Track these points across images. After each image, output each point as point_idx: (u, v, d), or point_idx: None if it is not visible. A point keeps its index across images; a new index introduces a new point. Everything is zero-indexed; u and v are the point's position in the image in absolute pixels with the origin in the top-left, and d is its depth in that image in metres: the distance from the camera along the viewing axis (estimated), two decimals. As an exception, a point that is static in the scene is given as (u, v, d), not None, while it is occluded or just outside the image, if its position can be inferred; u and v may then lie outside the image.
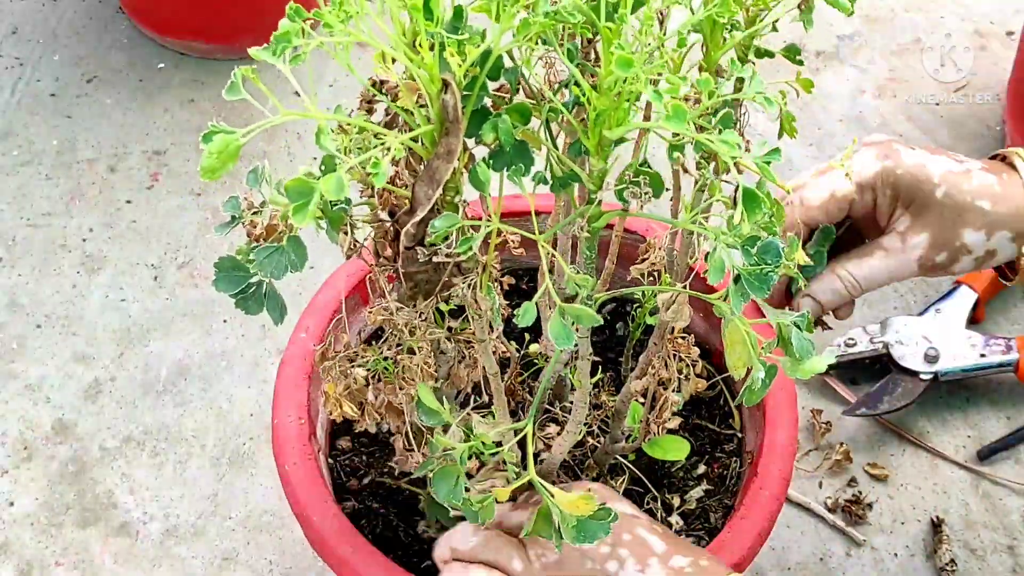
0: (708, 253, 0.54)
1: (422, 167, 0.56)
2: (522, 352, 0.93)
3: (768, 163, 0.54)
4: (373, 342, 0.95)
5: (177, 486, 1.21)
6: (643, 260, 0.86)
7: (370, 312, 0.70)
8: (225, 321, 1.34)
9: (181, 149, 1.53)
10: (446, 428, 0.67)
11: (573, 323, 0.56)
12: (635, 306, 0.99)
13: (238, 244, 0.64)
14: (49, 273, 1.40)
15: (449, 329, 0.70)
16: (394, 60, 0.53)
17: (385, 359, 0.73)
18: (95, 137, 1.55)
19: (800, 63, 0.68)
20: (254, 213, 0.62)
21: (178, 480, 1.22)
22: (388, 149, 0.50)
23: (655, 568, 0.69)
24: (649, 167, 0.62)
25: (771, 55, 0.68)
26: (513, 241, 0.83)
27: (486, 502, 0.65)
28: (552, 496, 0.62)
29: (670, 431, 0.84)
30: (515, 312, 1.03)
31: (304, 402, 0.89)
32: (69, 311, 1.36)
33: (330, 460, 0.93)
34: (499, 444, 0.66)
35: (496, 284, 0.68)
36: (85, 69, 1.63)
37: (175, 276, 1.39)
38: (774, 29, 0.66)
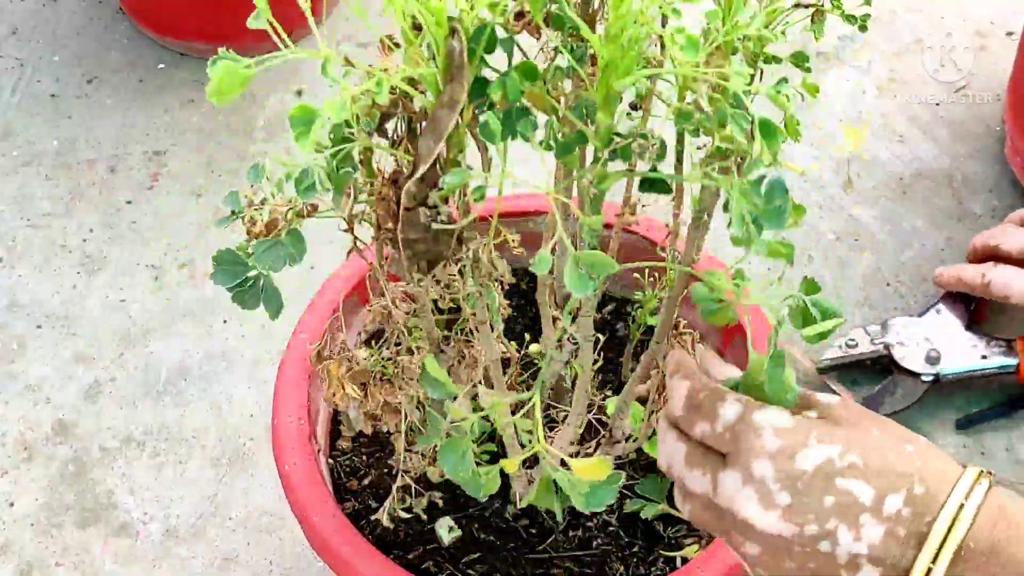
0: (725, 202, 0.54)
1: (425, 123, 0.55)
2: (522, 352, 0.93)
3: (778, 92, 0.54)
4: (373, 343, 0.95)
5: (177, 486, 1.21)
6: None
7: (369, 310, 0.70)
8: (225, 322, 1.34)
9: (181, 149, 1.53)
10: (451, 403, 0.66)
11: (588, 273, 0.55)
12: (635, 306, 0.99)
13: (239, 243, 0.64)
14: (49, 273, 1.40)
15: (448, 325, 0.70)
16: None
17: (384, 359, 0.73)
18: (95, 137, 1.55)
19: (808, 70, 0.68)
20: (254, 209, 0.62)
21: (178, 480, 1.22)
22: (387, 74, 0.50)
23: (869, 527, 0.59)
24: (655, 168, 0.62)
25: (779, 61, 0.68)
26: (513, 241, 0.83)
27: (491, 474, 0.64)
28: (562, 465, 0.61)
29: None
30: (515, 313, 1.03)
31: (304, 402, 0.89)
32: (69, 311, 1.36)
33: (330, 460, 0.93)
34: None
35: (496, 284, 0.68)
36: (85, 69, 1.63)
37: (175, 276, 1.39)
38: (783, 35, 0.66)
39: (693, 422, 0.65)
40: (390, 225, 0.59)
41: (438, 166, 0.55)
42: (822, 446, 0.61)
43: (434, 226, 0.56)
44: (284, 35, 0.51)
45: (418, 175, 0.55)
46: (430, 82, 0.53)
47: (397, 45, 0.57)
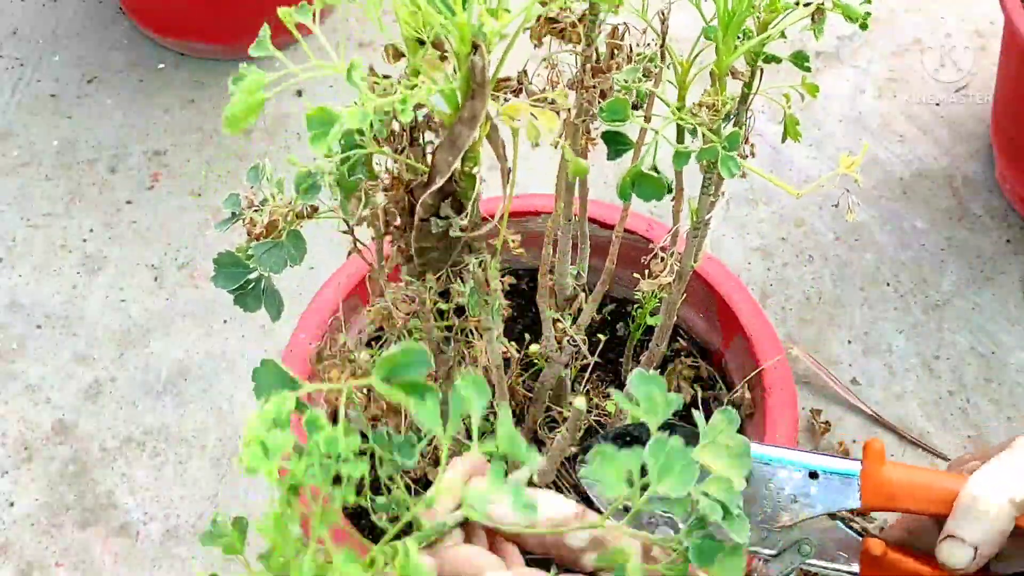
0: (701, 150, 0.59)
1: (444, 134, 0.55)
2: (522, 352, 0.93)
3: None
4: (373, 344, 0.95)
5: (177, 486, 1.21)
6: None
7: (369, 310, 0.70)
8: (225, 322, 1.34)
9: (181, 149, 1.53)
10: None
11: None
12: (635, 307, 0.99)
13: (239, 244, 0.64)
14: (49, 273, 1.40)
15: (448, 328, 0.70)
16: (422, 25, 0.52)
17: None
18: (95, 137, 1.55)
19: (808, 69, 0.68)
20: (254, 211, 0.62)
21: (178, 480, 1.22)
22: (412, 89, 0.50)
23: None
24: (656, 169, 0.62)
25: (779, 60, 0.68)
26: (513, 241, 0.83)
27: None
28: None
29: None
30: (515, 313, 1.03)
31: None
32: (69, 311, 1.36)
33: (330, 460, 0.93)
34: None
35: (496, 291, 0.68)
36: (85, 69, 1.63)
37: (175, 276, 1.39)
38: (783, 36, 0.66)
39: None
40: (400, 223, 0.59)
41: (453, 179, 0.55)
42: None
43: (452, 233, 0.56)
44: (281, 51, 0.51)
45: (435, 188, 0.55)
46: (450, 98, 0.53)
47: (402, 55, 0.57)
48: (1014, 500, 0.64)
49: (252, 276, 0.62)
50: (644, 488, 0.51)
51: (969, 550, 0.64)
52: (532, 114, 0.52)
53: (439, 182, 0.55)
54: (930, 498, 0.67)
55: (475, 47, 0.51)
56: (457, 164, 0.54)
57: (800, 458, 0.71)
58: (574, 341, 0.76)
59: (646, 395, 0.54)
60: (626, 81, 0.67)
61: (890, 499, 0.69)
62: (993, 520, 0.63)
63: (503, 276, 0.81)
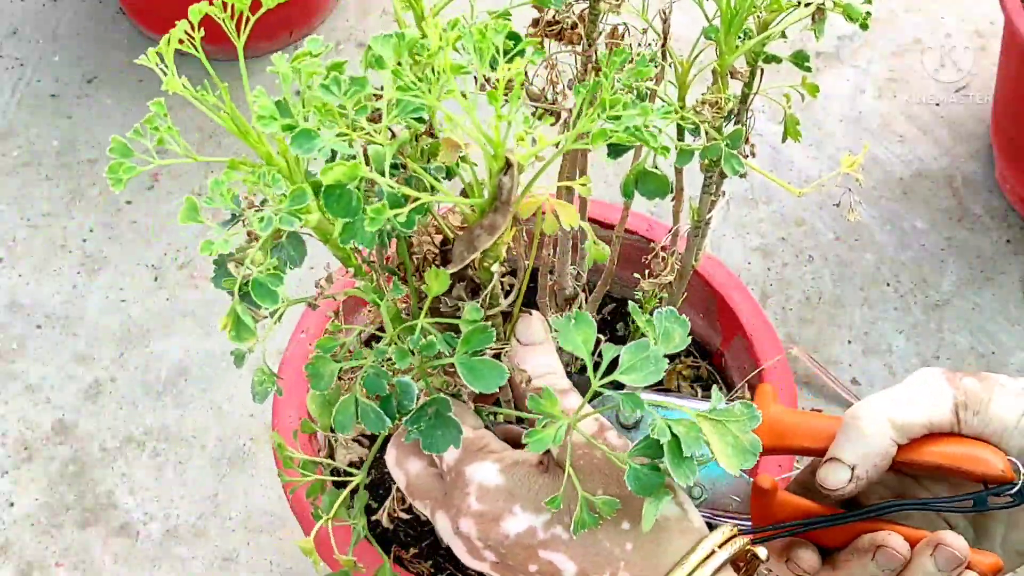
0: (704, 148, 0.60)
1: (465, 230, 0.55)
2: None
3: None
4: (373, 344, 0.95)
5: (177, 486, 1.22)
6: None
7: (370, 311, 0.70)
8: (225, 321, 1.34)
9: (181, 149, 1.53)
10: None
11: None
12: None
13: (239, 246, 0.64)
14: (49, 273, 1.40)
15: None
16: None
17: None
18: (95, 137, 1.55)
19: (808, 69, 0.68)
20: (255, 211, 0.62)
21: (178, 480, 1.22)
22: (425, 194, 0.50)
23: None
24: (657, 168, 0.62)
25: (779, 60, 0.68)
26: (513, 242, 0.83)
27: None
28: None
29: None
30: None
31: (304, 402, 0.89)
32: (69, 311, 1.36)
33: (330, 460, 0.93)
34: None
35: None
36: (85, 69, 1.63)
37: (175, 276, 1.39)
38: (783, 36, 0.66)
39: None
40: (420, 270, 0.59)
41: (469, 268, 0.56)
42: (526, 514, 0.59)
43: (462, 315, 0.56)
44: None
45: (448, 271, 0.55)
46: (478, 204, 0.53)
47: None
48: (893, 421, 0.63)
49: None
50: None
51: (846, 470, 0.63)
52: (552, 207, 0.52)
53: (451, 269, 0.55)
54: (819, 435, 0.65)
55: (508, 166, 0.51)
56: (475, 257, 0.54)
57: (690, 403, 0.69)
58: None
59: (666, 329, 0.53)
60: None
61: (780, 438, 0.67)
62: (871, 439, 0.62)
63: (503, 276, 0.81)
